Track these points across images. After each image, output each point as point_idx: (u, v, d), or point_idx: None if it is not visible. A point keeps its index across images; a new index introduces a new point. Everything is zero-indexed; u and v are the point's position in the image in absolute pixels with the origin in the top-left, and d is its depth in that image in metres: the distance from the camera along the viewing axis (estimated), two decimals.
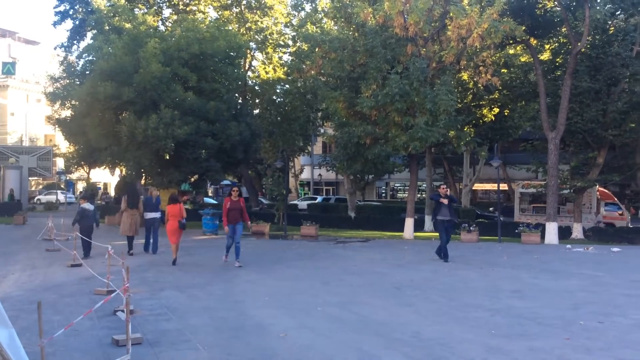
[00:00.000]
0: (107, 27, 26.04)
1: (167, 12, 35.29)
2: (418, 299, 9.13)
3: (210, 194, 61.06)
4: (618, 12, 24.41)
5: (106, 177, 59.90)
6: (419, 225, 27.98)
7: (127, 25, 25.35)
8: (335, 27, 27.44)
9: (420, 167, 38.57)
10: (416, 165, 24.17)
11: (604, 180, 26.26)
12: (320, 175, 51.86)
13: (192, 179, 26.73)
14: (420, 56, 20.82)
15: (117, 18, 26.09)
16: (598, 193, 29.18)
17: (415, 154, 22.79)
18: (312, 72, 24.12)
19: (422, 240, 21.05)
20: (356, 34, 22.87)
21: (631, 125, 24.99)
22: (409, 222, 22.44)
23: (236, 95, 29.08)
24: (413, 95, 19.80)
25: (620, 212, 30.45)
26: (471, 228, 20.60)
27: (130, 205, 14.99)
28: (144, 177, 26.08)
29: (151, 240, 15.09)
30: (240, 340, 6.46)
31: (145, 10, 30.19)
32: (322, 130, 36.43)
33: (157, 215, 15.24)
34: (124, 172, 28.41)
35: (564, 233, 23.85)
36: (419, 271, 12.36)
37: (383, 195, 58.22)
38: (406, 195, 38.71)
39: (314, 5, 34.07)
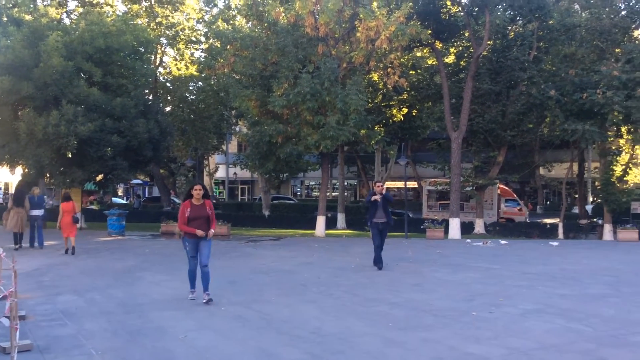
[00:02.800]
0: (6, 19, 24.55)
1: (72, 4, 33.80)
2: (322, 295, 9.28)
3: (120, 194, 58.99)
4: (517, 18, 25.83)
5: (7, 177, 56.36)
6: (332, 223, 28.43)
7: (28, 17, 24.01)
8: (248, 25, 27.29)
9: (334, 165, 39.23)
10: (328, 164, 24.51)
11: (504, 178, 27.72)
12: (235, 174, 51.39)
13: (98, 178, 25.70)
14: (331, 56, 21.13)
15: (16, 9, 24.66)
16: (499, 190, 30.76)
17: (327, 153, 23.10)
18: (225, 69, 23.86)
19: (333, 238, 21.37)
20: (268, 33, 22.86)
21: (529, 125, 26.56)
22: (321, 220, 22.72)
23: (146, 91, 28.25)
24: (324, 94, 20.05)
25: (519, 208, 32.28)
26: None
27: (15, 203, 16.06)
28: (46, 176, 24.83)
29: (36, 235, 16.25)
30: (137, 344, 6.32)
31: (48, 2, 28.69)
32: (237, 129, 36.15)
33: (40, 212, 16.42)
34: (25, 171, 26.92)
35: (468, 228, 25.01)
36: (326, 268, 12.55)
37: (298, 193, 58.54)
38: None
39: (227, 2, 33.72)
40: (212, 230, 8.52)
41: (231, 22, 30.72)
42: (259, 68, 21.81)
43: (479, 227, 25.55)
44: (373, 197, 12.20)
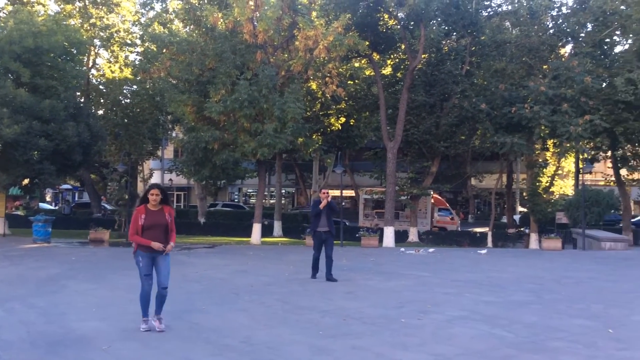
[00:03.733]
0: None
1: (1, 2, 32.34)
2: (254, 304, 9.20)
3: (48, 199, 56.67)
4: (451, 33, 26.64)
5: None
6: (268, 231, 28.30)
7: None
8: (185, 30, 26.92)
9: (272, 173, 39.11)
10: (264, 171, 24.44)
11: (437, 188, 28.45)
12: (171, 180, 50.35)
13: (24, 183, 24.60)
14: (270, 64, 21.12)
15: None
16: (432, 199, 31.52)
17: (265, 160, 23.04)
18: (160, 73, 23.42)
19: (269, 246, 21.27)
20: (206, 38, 22.63)
21: (461, 137, 27.38)
22: (257, 228, 22.58)
23: (77, 94, 27.36)
24: (262, 102, 20.02)
25: (451, 217, 33.18)
26: None
27: None
28: None
29: None
30: (58, 355, 6.05)
31: None
32: (173, 134, 35.49)
33: None
34: None
35: (402, 237, 25.48)
36: (260, 276, 12.46)
37: (236, 200, 57.99)
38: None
39: (164, 5, 33.14)
40: (172, 243, 7.10)
41: (168, 25, 30.19)
42: (195, 73, 21.54)
43: (413, 235, 26.08)
44: (322, 204, 11.63)
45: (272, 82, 20.23)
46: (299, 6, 21.70)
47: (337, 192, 26.48)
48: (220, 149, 21.52)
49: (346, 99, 27.92)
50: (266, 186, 38.99)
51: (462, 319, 8.02)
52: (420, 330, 7.39)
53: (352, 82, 29.67)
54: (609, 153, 27.29)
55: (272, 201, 47.17)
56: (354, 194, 44.89)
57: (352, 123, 31.57)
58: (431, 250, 19.24)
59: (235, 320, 7.96)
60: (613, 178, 28.03)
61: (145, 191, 7.30)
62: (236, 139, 20.99)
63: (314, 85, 26.67)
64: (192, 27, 23.76)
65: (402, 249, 19.82)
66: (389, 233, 22.62)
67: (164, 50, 22.68)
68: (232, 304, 9.14)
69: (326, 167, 38.87)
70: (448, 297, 9.89)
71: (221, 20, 20.98)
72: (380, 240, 22.20)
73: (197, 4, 22.93)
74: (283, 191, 45.65)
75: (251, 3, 20.86)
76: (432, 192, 30.62)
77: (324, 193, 11.91)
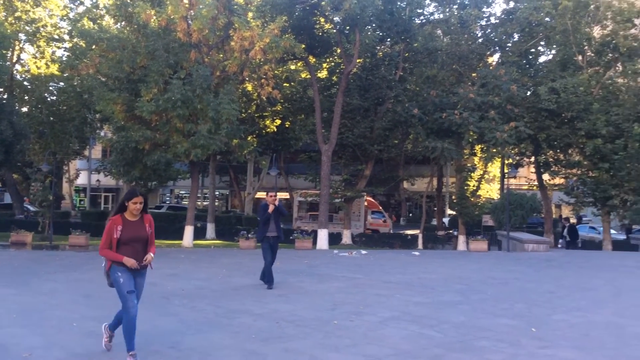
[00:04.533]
0: None
1: None
2: (185, 308, 9.01)
3: None
4: (385, 39, 27.15)
5: None
6: (201, 233, 27.84)
7: None
8: (116, 26, 26.12)
9: (205, 174, 38.51)
10: (197, 173, 24.03)
11: (370, 191, 28.88)
12: (98, 181, 48.70)
13: None
14: (204, 63, 20.80)
15: None
16: (366, 202, 31.96)
17: (198, 162, 22.65)
18: (89, 70, 22.60)
19: (201, 249, 20.91)
20: (138, 35, 22.02)
21: (394, 141, 27.94)
22: (189, 230, 22.17)
23: (0, 90, 26.02)
24: (196, 102, 19.68)
25: (384, 219, 33.74)
26: (249, 235, 21.06)
27: None
28: None
29: None
30: None
31: None
32: (101, 134, 34.34)
33: None
34: None
35: (335, 239, 25.68)
36: (191, 280, 12.23)
37: (168, 202, 56.76)
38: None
39: (94, 0, 32.04)
40: (151, 254, 6.02)
41: (98, 21, 29.20)
42: (126, 71, 20.93)
43: (346, 237, 26.33)
44: (270, 210, 11.18)
45: (207, 82, 19.92)
46: (235, 6, 21.50)
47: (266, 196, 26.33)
48: (152, 150, 20.99)
49: (282, 101, 27.93)
50: (199, 188, 38.36)
51: (393, 320, 8.16)
52: (352, 331, 7.46)
53: (288, 85, 29.70)
54: (533, 158, 28.53)
55: (205, 203, 46.45)
56: (288, 197, 44.90)
57: (287, 125, 31.59)
58: (364, 252, 19.47)
59: (164, 325, 7.76)
60: (536, 182, 29.32)
61: (124, 198, 6.00)
62: (168, 139, 20.54)
63: (249, 87, 26.50)
64: (123, 23, 23.06)
65: (336, 251, 19.96)
66: (322, 235, 22.74)
67: (94, 47, 21.94)
68: (162, 309, 8.92)
69: (261, 169, 38.66)
70: (380, 299, 10.03)
71: (154, 17, 20.48)
72: (314, 242, 22.28)
73: (129, 0, 22.28)
74: (217, 193, 45.04)
75: (186, 1, 20.50)
76: (365, 195, 31.02)
77: (271, 197, 11.44)
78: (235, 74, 21.56)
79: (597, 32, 26.43)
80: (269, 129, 31.15)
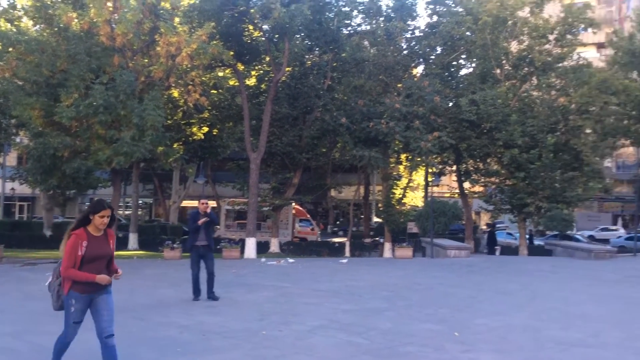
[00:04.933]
0: None
1: None
2: None
3: None
4: (314, 49, 27.39)
5: None
6: (123, 244, 26.95)
7: None
8: (35, 28, 24.96)
9: (128, 182, 37.37)
10: (120, 181, 23.31)
11: (298, 199, 28.96)
12: (13, 189, 46.19)
13: None
14: (129, 68, 20.25)
15: None
16: (294, 210, 32.01)
17: (121, 169, 21.98)
18: (5, 74, 21.46)
19: (123, 260, 20.23)
20: (58, 38, 21.15)
21: (322, 150, 28.18)
22: None
23: None
24: (119, 108, 19.10)
25: (312, 227, 33.91)
26: (175, 245, 20.60)
27: None
28: None
29: None
30: None
31: None
32: (17, 140, 32.64)
33: None
34: None
35: (263, 247, 25.54)
36: (113, 292, 11.78)
37: None
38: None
39: (11, 1, 30.45)
40: (120, 271, 5.55)
41: (15, 23, 27.76)
42: (45, 75, 20.03)
43: (274, 246, 26.26)
44: (201, 221, 10.59)
45: (131, 88, 19.37)
46: (161, 11, 21.09)
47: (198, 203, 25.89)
48: (71, 157, 20.17)
49: (209, 108, 27.56)
50: (121, 196, 37.17)
51: (321, 328, 8.19)
52: (280, 341, 7.43)
53: (215, 92, 29.35)
54: (454, 167, 29.56)
55: (127, 212, 45.02)
56: (215, 205, 44.28)
57: (215, 133, 31.20)
58: (291, 260, 19.48)
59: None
60: (457, 190, 30.38)
61: (88, 210, 5.33)
62: (89, 146, 19.81)
63: (175, 93, 26.01)
64: (43, 25, 22.08)
65: (264, 260, 19.86)
66: (250, 244, 22.56)
67: (10, 49, 20.83)
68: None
69: (187, 177, 37.93)
70: (308, 307, 10.05)
71: (76, 20, 19.76)
72: (242, 251, 22.07)
73: (49, 2, 21.37)
74: (140, 202, 43.76)
75: (109, 4, 19.91)
76: (293, 203, 31.06)
77: (203, 204, 10.88)
78: (161, 80, 21.11)
79: (514, 47, 27.81)
80: (196, 136, 30.64)
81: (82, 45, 19.68)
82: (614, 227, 29.95)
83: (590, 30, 32.15)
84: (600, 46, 51.89)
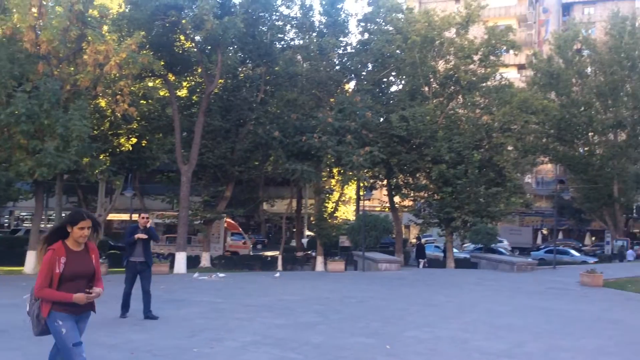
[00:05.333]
0: None
1: None
2: (29, 341, 8.23)
3: None
4: (247, 61, 27.32)
5: None
6: None
7: None
8: None
9: (51, 194, 35.77)
10: (42, 193, 22.32)
11: (230, 212, 28.64)
12: None
13: None
14: (54, 77, 19.50)
15: None
16: (225, 224, 31.64)
17: (43, 181, 21.04)
18: None
19: None
20: None
21: (255, 163, 28.05)
22: (31, 255, 20.41)
23: None
24: (43, 117, 18.34)
25: (244, 241, 33.61)
26: (100, 260, 19.85)
27: None
28: None
29: None
30: None
31: None
32: None
33: None
34: None
35: (194, 262, 25.07)
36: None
37: (6, 224, 51.89)
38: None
39: None
40: (98, 289, 4.68)
41: None
42: None
43: (205, 260, 25.83)
44: (137, 235, 10.11)
45: (56, 97, 18.64)
46: (89, 19, 20.47)
47: (125, 216, 25.18)
48: None
49: (138, 118, 26.84)
50: (44, 209, 35.56)
51: (254, 344, 8.12)
52: (212, 358, 7.31)
53: (145, 102, 28.66)
54: (385, 182, 30.17)
55: (50, 225, 43.08)
56: None
57: (144, 144, 30.40)
58: (222, 275, 19.23)
59: None
60: (388, 204, 31.00)
61: (66, 221, 4.65)
62: (10, 156, 18.88)
63: (103, 103, 25.24)
64: None
65: (195, 275, 19.49)
66: (180, 259, 22.08)
67: None
68: (1, 343, 8.10)
69: (114, 190, 36.72)
70: (241, 323, 9.95)
71: None
72: (172, 266, 21.56)
73: None
74: (64, 215, 41.97)
75: (34, 10, 19.14)
76: (225, 217, 30.70)
77: (143, 218, 10.48)
78: (88, 89, 20.47)
79: (441, 66, 28.86)
80: (123, 148, 29.72)
81: (4, 51, 18.78)
82: (500, 239, 31.96)
83: (511, 52, 33.94)
84: (520, 67, 54.72)
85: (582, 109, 37.02)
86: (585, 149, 39.20)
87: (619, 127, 37.22)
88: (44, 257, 4.54)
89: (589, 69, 38.62)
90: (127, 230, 10.78)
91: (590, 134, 38.31)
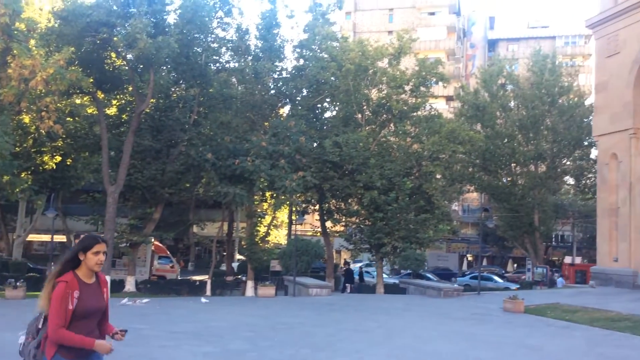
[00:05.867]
0: None
1: None
2: None
3: None
4: (181, 82, 26.95)
5: None
6: None
7: None
8: None
9: None
10: None
11: (159, 235, 27.87)
12: None
13: None
14: None
15: None
16: (153, 247, 30.76)
17: None
18: None
19: None
20: None
21: (186, 185, 27.50)
22: None
23: None
24: None
25: (171, 265, 32.74)
26: (18, 284, 18.82)
27: None
28: None
29: None
30: None
31: None
32: None
33: None
34: None
35: (118, 286, 24.17)
36: None
37: None
38: None
39: None
40: (121, 334, 4.19)
41: None
42: None
43: (130, 285, 24.93)
44: None
45: None
46: (15, 32, 19.67)
47: (46, 237, 24.02)
48: None
49: (64, 136, 25.82)
50: None
51: None
52: None
53: (71, 119, 27.63)
54: (317, 206, 30.30)
55: None
56: (65, 240, 41.24)
57: (69, 163, 29.24)
58: (145, 300, 18.61)
59: None
60: (319, 229, 31.11)
61: (79, 248, 4.00)
62: None
63: (27, 119, 24.19)
64: None
65: (123, 300, 18.77)
66: None
67: None
68: None
69: (35, 210, 35.02)
70: (166, 351, 9.64)
71: None
72: None
73: None
74: None
75: None
76: (153, 240, 29.84)
77: None
78: (12, 104, 19.57)
79: (374, 94, 29.52)
80: (47, 166, 28.46)
81: None
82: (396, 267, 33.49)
83: (440, 84, 35.20)
84: (449, 99, 56.84)
85: (506, 140, 38.71)
86: (508, 179, 40.92)
87: (539, 159, 39.14)
88: (55, 291, 3.84)
89: (512, 103, 40.55)
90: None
91: (513, 164, 40.04)
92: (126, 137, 23.76)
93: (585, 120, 38.20)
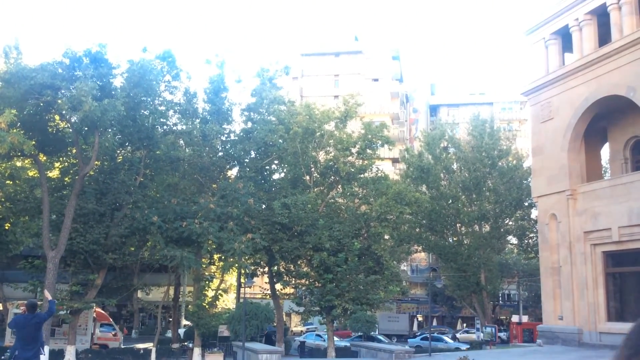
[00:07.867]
0: None
1: None
2: None
3: None
4: (126, 144, 26.67)
5: None
6: None
7: None
8: None
9: None
10: None
11: (101, 302, 26.81)
12: None
13: None
14: None
15: None
16: (95, 314, 29.49)
17: None
18: None
19: None
20: None
21: (131, 248, 26.77)
22: None
23: None
24: None
25: (114, 332, 31.37)
26: None
27: None
28: None
29: None
30: None
31: None
32: None
33: None
34: None
35: (57, 357, 22.90)
36: None
37: None
38: None
39: None
40: None
41: None
42: None
43: (70, 355, 23.65)
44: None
45: None
46: None
47: None
48: None
49: (2, 200, 24.95)
50: None
51: None
52: None
53: (11, 182, 26.79)
54: (267, 269, 29.96)
55: None
56: (1, 308, 39.03)
57: (7, 227, 28.13)
58: None
59: None
60: (269, 292, 30.65)
61: None
62: None
63: None
64: None
65: None
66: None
67: None
68: None
69: None
70: None
71: None
72: None
73: None
74: None
75: None
76: (94, 306, 28.62)
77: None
78: None
79: (322, 156, 30.01)
80: None
81: None
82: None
83: (386, 146, 36.21)
84: (395, 161, 58.25)
85: (450, 201, 39.77)
86: (454, 238, 41.79)
87: (483, 219, 40.27)
88: None
89: (455, 165, 41.98)
90: (12, 322, 9.80)
91: (458, 224, 41.02)
92: (68, 200, 23.12)
93: (525, 181, 39.77)
